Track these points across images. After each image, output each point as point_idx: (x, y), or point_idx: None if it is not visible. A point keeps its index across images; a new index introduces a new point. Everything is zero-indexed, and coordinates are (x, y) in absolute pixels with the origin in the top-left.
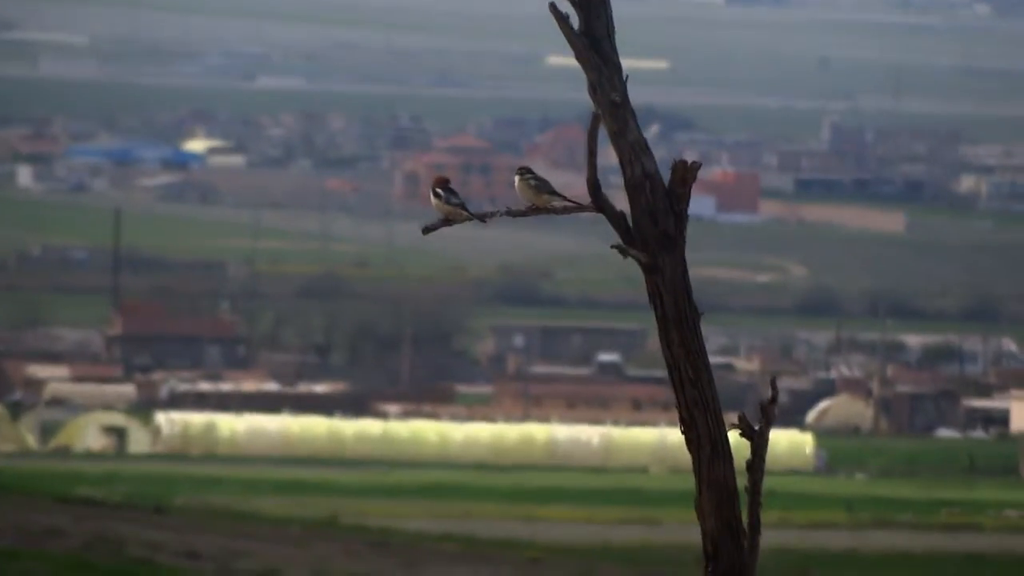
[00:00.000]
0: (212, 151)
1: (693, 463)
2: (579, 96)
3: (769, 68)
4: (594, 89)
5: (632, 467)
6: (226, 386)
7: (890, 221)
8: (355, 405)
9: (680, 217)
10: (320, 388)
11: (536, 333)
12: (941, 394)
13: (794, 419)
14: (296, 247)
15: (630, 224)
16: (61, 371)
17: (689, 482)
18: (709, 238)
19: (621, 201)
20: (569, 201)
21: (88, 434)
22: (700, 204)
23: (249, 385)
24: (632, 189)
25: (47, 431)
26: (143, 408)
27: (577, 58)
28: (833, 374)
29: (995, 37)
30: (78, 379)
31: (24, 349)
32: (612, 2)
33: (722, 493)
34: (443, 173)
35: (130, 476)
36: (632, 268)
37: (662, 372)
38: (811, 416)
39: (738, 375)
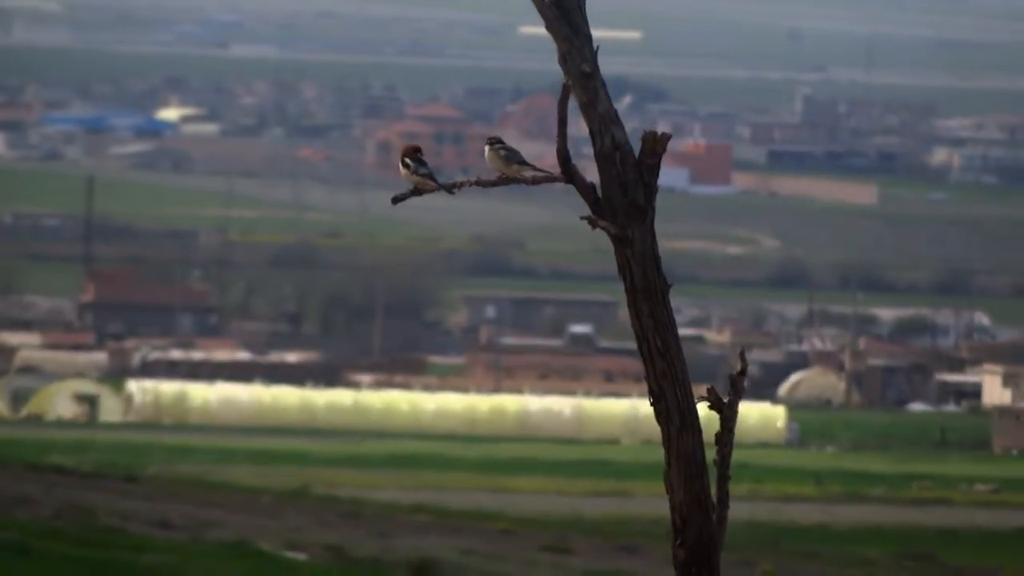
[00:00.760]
0: (185, 119)
1: (662, 436)
2: (551, 66)
3: (742, 39)
4: (564, 59)
5: (604, 439)
6: (198, 355)
7: (862, 193)
8: (327, 375)
9: (650, 188)
10: (292, 357)
11: (508, 304)
12: (913, 368)
13: (766, 392)
14: (268, 216)
15: (599, 195)
16: (33, 338)
17: (661, 454)
18: (681, 210)
19: (592, 172)
20: (539, 171)
21: (60, 402)
22: (673, 176)
23: (221, 354)
24: (602, 160)
25: (19, 398)
26: (115, 376)
27: (547, 28)
28: (805, 347)
29: (969, 8)
30: (50, 346)
31: None
32: None
33: (691, 466)
34: (414, 142)
35: (102, 444)
36: (604, 239)
37: (633, 344)
38: (783, 389)
39: (709, 347)
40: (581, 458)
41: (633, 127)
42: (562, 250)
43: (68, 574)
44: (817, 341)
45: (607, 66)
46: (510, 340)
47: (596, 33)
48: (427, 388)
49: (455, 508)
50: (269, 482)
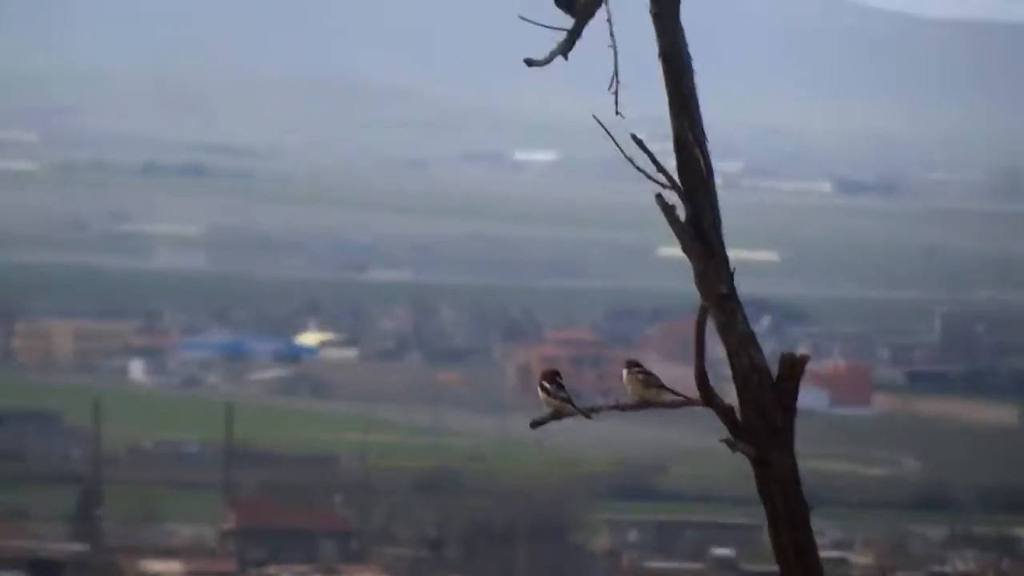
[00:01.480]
0: (324, 344)
1: None
2: (691, 287)
3: (878, 258)
4: (701, 281)
5: None
6: None
7: (1002, 414)
8: None
9: (788, 411)
10: None
11: (650, 527)
12: None
13: None
14: (408, 441)
15: (738, 418)
16: (175, 567)
17: None
18: (821, 431)
19: (731, 394)
20: (677, 395)
21: None
22: (812, 397)
23: None
24: (740, 382)
25: None
26: None
27: (683, 249)
28: (948, 568)
29: None
30: (192, 574)
31: (137, 544)
32: (719, 193)
33: None
34: (553, 367)
35: None
36: (746, 461)
37: (776, 567)
38: None
39: (852, 569)
40: None
41: (772, 348)
42: (704, 473)
43: None
44: (960, 563)
45: (745, 287)
46: (652, 564)
47: (733, 254)
48: None
49: None
50: None
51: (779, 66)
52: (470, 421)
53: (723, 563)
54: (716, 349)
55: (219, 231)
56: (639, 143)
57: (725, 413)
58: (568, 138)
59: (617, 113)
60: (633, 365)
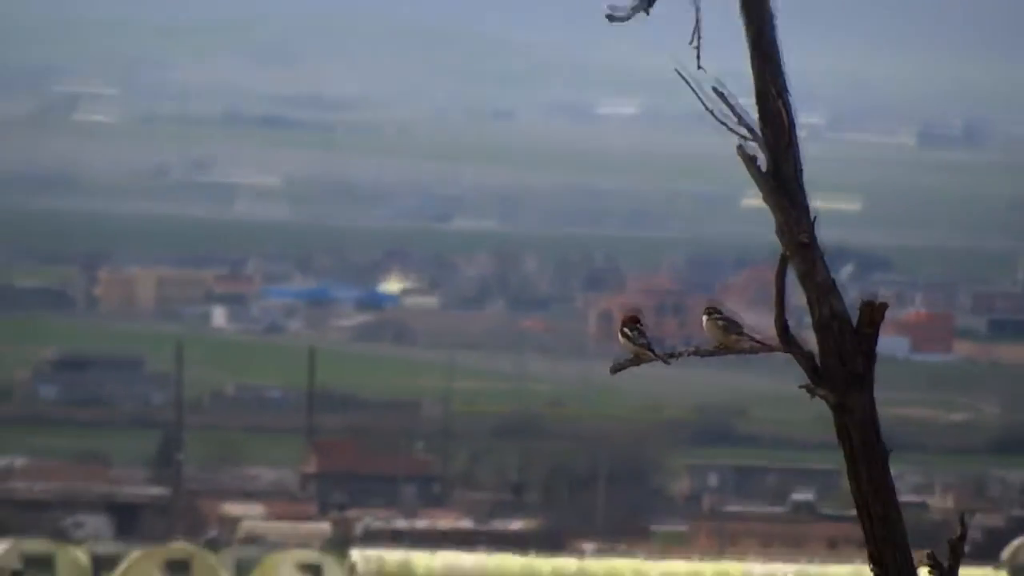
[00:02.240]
0: (406, 292)
1: None
2: (773, 236)
3: (961, 209)
4: (782, 231)
5: None
6: (421, 523)
7: None
8: (550, 542)
9: (868, 357)
10: (515, 526)
11: (730, 472)
12: None
13: (990, 556)
14: (490, 387)
15: (818, 364)
16: (257, 509)
17: None
18: (902, 377)
19: (811, 341)
20: (757, 341)
21: (283, 571)
22: (893, 344)
23: (444, 523)
24: (820, 330)
25: (242, 569)
26: (338, 545)
27: (764, 200)
28: None
29: None
30: (274, 517)
31: (219, 487)
32: (801, 143)
33: None
34: (633, 312)
35: None
36: (825, 407)
37: (855, 511)
38: (1006, 553)
39: (932, 513)
40: None
41: (855, 296)
42: (784, 418)
43: None
44: None
45: (827, 235)
46: (733, 508)
47: (815, 204)
48: (650, 555)
49: None
50: None
51: (865, 17)
52: (552, 367)
53: (803, 507)
54: (797, 297)
55: (301, 182)
56: (720, 95)
57: (805, 359)
58: (651, 90)
59: (700, 67)
60: (713, 311)
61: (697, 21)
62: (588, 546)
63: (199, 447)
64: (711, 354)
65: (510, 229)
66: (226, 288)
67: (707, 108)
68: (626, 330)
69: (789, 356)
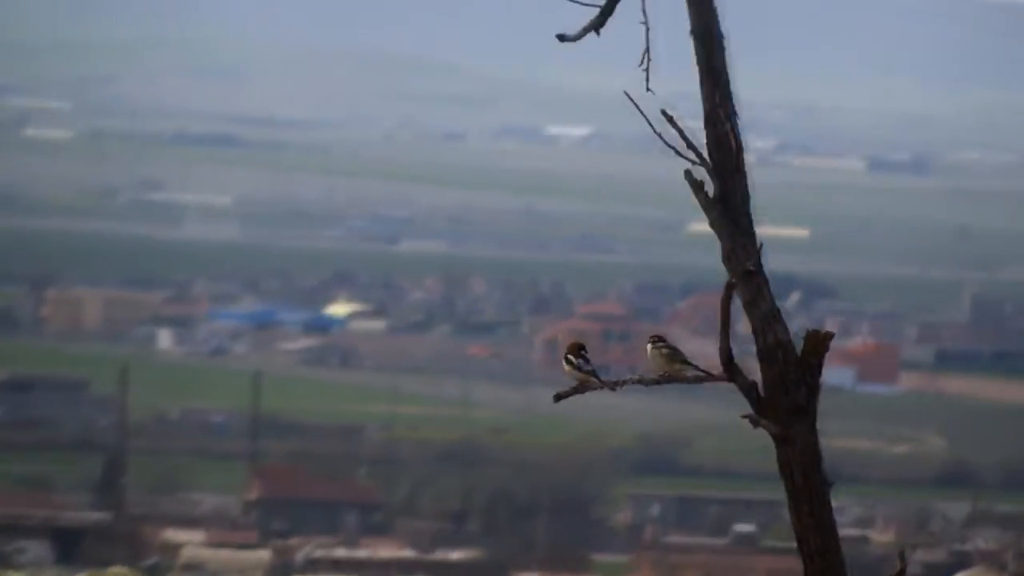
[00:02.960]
0: (354, 315)
1: None
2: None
3: (909, 237)
4: (728, 258)
5: None
6: (362, 553)
7: None
8: (492, 572)
9: (812, 388)
10: (456, 555)
11: (673, 503)
12: None
13: None
14: (435, 413)
15: (761, 394)
16: (197, 536)
17: None
18: (847, 409)
19: (757, 370)
20: (700, 371)
21: None
22: (839, 375)
23: (386, 552)
24: (765, 359)
25: None
26: (279, 574)
27: (711, 225)
28: (969, 547)
29: None
30: (214, 544)
31: (162, 513)
32: (749, 169)
33: None
34: (579, 340)
35: None
36: (768, 438)
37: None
38: None
39: (873, 547)
40: None
41: (801, 324)
42: (728, 448)
43: None
44: (981, 541)
45: (775, 263)
46: (675, 538)
47: (762, 231)
48: None
49: None
50: None
51: (814, 44)
52: (497, 394)
53: (745, 539)
54: (744, 324)
55: (251, 202)
56: (669, 119)
57: (748, 389)
58: (601, 114)
59: (648, 90)
60: (657, 340)
61: (647, 44)
62: None
63: (143, 472)
64: (655, 383)
65: (458, 251)
66: (173, 311)
67: (656, 132)
68: (571, 358)
69: (733, 385)
